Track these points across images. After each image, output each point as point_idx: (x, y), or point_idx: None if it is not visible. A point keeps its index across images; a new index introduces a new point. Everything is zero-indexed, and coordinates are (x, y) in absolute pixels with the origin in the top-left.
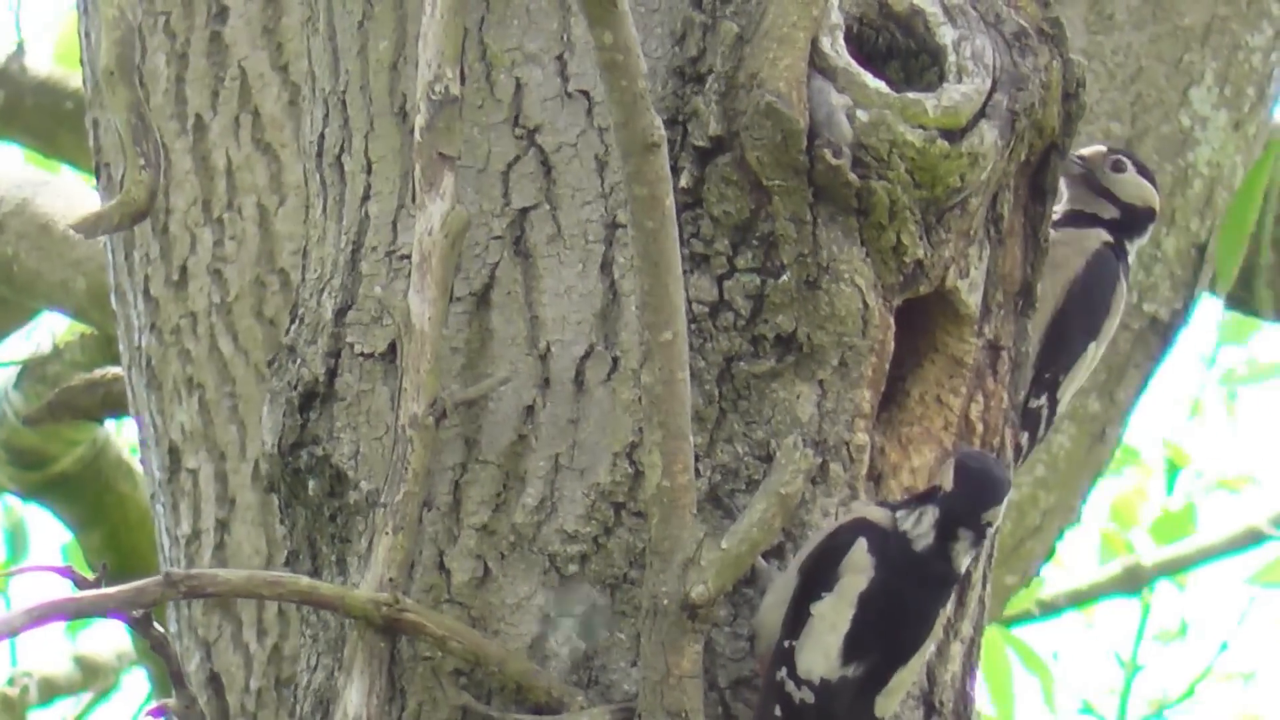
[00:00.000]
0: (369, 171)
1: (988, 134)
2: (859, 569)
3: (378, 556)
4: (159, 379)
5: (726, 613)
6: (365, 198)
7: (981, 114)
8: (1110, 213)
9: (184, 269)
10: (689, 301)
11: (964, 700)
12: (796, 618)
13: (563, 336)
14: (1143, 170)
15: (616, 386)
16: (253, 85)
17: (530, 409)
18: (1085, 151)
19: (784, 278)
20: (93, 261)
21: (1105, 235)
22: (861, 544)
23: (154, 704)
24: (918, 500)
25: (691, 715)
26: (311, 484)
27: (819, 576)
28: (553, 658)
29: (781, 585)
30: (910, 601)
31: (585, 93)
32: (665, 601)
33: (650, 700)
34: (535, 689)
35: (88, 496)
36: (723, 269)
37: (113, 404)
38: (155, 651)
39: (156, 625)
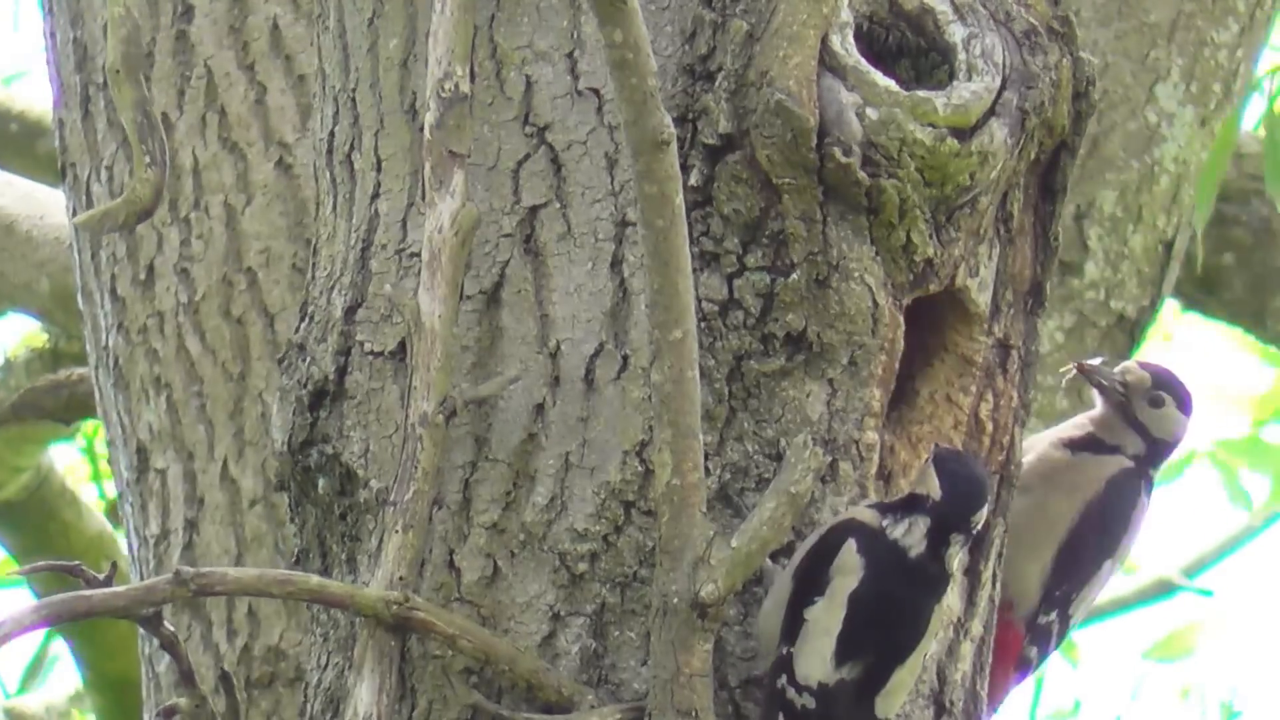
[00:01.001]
0: (379, 169)
1: (998, 132)
2: (849, 570)
3: (387, 555)
4: (126, 379)
5: (736, 611)
6: (375, 195)
7: (991, 112)
8: (1135, 448)
9: (151, 268)
10: (699, 300)
11: (975, 700)
12: (792, 623)
13: (573, 335)
14: (1182, 403)
15: (626, 385)
16: (219, 84)
17: (540, 407)
18: (1130, 377)
19: (794, 276)
20: (56, 263)
21: (1126, 462)
22: (850, 545)
23: (165, 704)
24: (904, 509)
25: (702, 714)
26: (321, 482)
27: (811, 580)
28: (563, 656)
29: (779, 589)
30: (903, 600)
31: (595, 90)
32: (675, 600)
33: (660, 699)
34: (545, 687)
35: (32, 525)
36: (732, 267)
37: (77, 405)
38: (165, 650)
39: (167, 624)
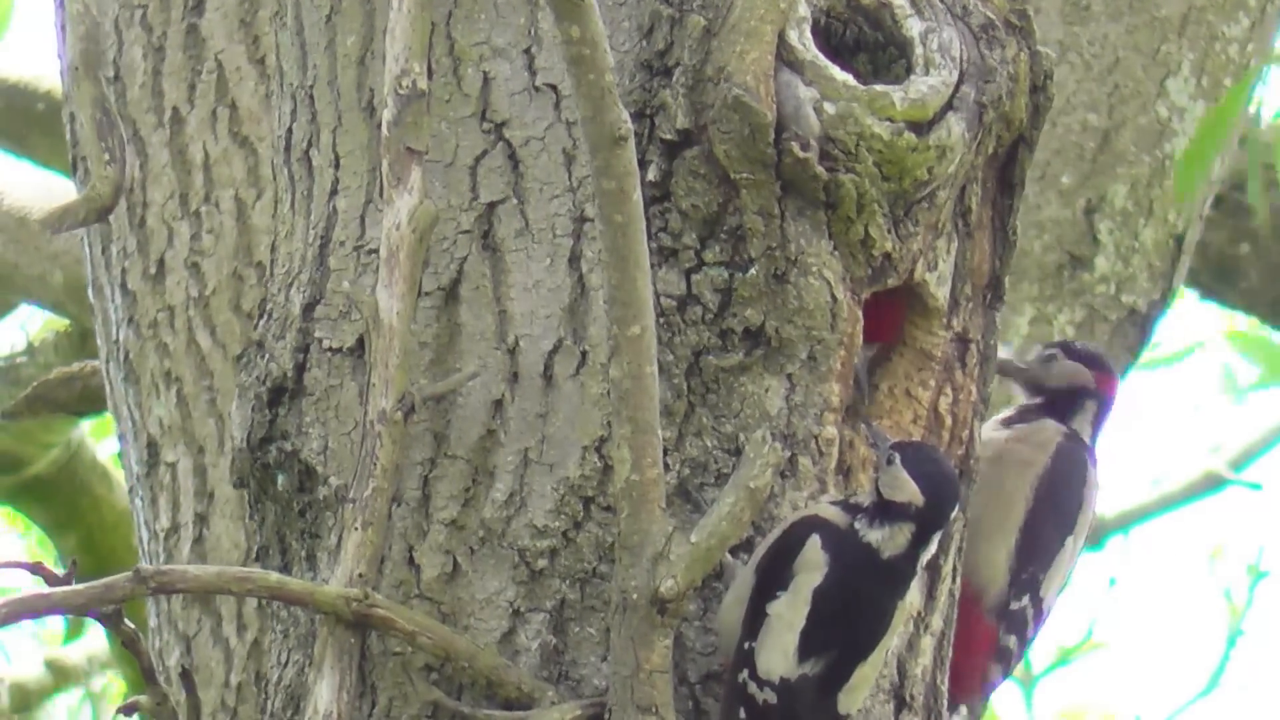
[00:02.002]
0: (337, 166)
1: (955, 126)
2: (812, 566)
3: (347, 552)
4: (137, 373)
5: (696, 607)
6: (333, 192)
7: (949, 106)
8: (1035, 400)
9: (161, 263)
10: (657, 295)
11: (934, 694)
12: (754, 618)
13: (531, 331)
14: (1076, 355)
15: (585, 381)
16: (230, 78)
17: (499, 403)
18: (1030, 355)
19: (752, 271)
20: (69, 255)
21: (1060, 427)
22: (815, 541)
23: (126, 701)
24: (883, 515)
25: (662, 710)
26: (280, 479)
27: (773, 575)
28: (523, 652)
29: (740, 584)
30: (866, 596)
31: (553, 86)
32: (634, 596)
33: (620, 695)
34: (505, 684)
35: (62, 499)
36: (691, 263)
37: (90, 398)
38: (126, 648)
39: (127, 622)
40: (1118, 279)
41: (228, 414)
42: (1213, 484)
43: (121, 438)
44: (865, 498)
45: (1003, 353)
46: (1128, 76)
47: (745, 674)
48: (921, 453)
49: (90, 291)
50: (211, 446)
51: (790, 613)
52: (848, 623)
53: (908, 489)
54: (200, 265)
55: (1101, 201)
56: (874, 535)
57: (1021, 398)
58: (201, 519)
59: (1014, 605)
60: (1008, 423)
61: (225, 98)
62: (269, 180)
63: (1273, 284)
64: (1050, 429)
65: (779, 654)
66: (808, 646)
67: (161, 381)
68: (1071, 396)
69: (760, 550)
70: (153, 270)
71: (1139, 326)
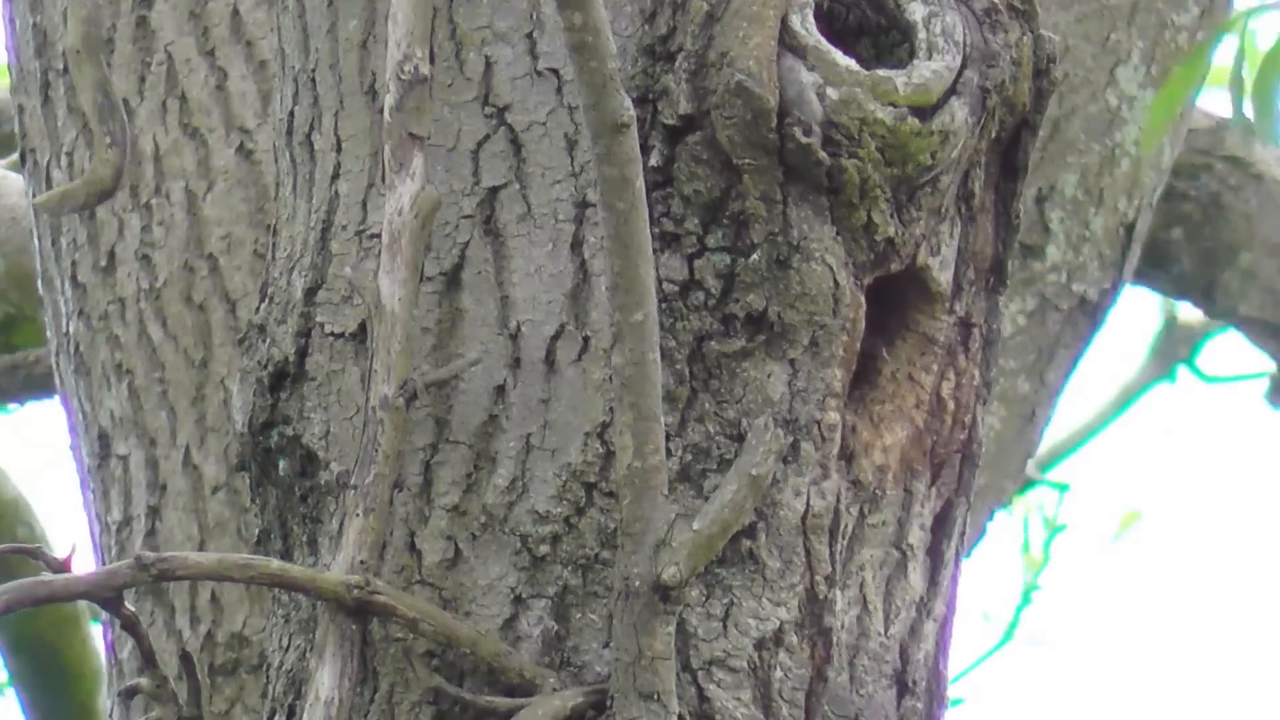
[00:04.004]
0: (339, 150)
1: (958, 111)
2: None
3: (348, 538)
4: (87, 365)
5: (699, 593)
6: (335, 176)
7: (952, 91)
8: None
9: (112, 255)
10: (659, 281)
11: (937, 678)
12: None
13: (533, 316)
14: None
15: (588, 366)
16: (179, 70)
17: (501, 389)
18: None
19: (754, 257)
20: (10, 244)
21: None
22: None
23: (126, 684)
24: None
25: (664, 697)
26: (282, 464)
27: None
28: (525, 639)
29: None
30: None
31: (555, 71)
32: (637, 583)
33: (623, 682)
34: (507, 670)
35: None
36: (693, 248)
37: (34, 386)
38: (126, 631)
39: (127, 606)
40: (1069, 268)
41: (179, 406)
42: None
43: (72, 430)
44: None
45: None
46: (1077, 65)
47: None
48: None
49: (40, 283)
50: (164, 439)
51: None
52: None
53: None
54: (151, 257)
55: (1052, 190)
56: None
57: None
58: (154, 511)
59: None
60: None
61: (175, 89)
62: (220, 172)
63: (1205, 269)
64: None
65: None
66: None
67: (113, 374)
68: None
69: None
70: (103, 262)
71: (1090, 315)
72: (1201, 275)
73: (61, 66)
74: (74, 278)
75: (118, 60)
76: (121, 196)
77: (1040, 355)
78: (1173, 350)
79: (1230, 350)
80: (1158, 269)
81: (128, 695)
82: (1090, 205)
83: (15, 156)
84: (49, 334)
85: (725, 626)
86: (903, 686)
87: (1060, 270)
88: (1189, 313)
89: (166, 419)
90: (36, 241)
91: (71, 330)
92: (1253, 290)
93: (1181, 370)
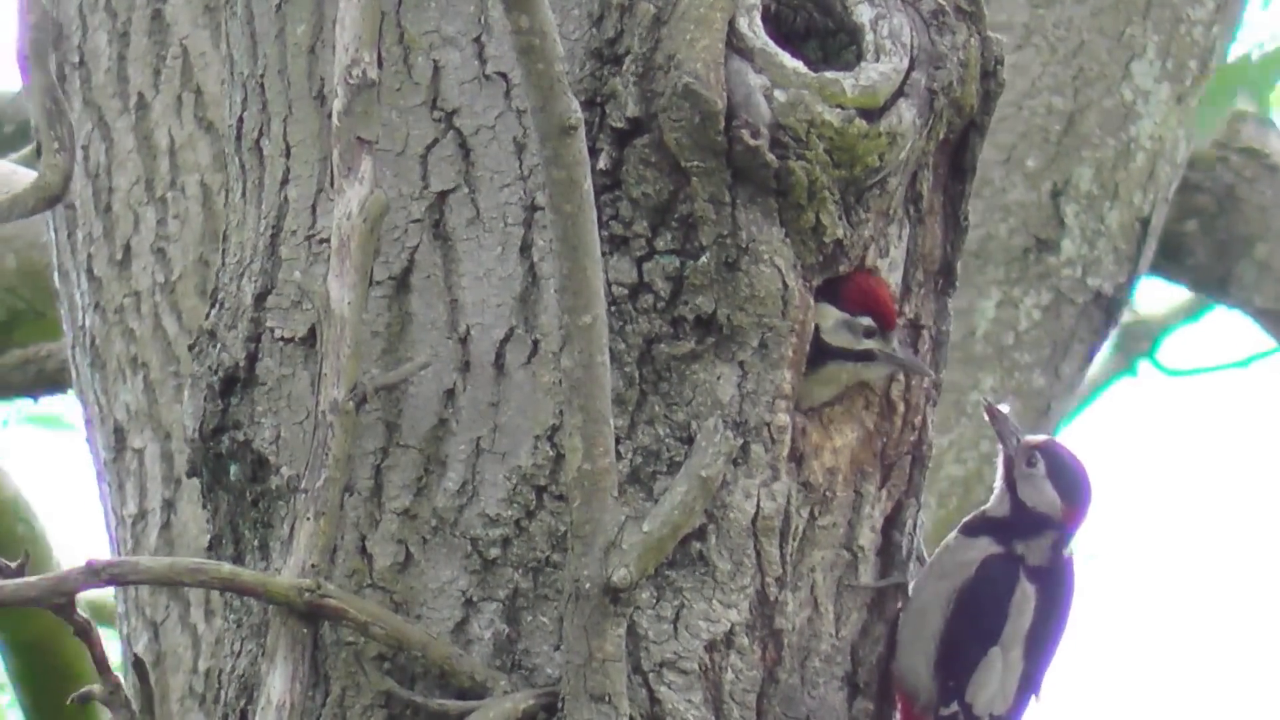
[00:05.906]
0: (288, 155)
1: (906, 113)
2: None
3: (299, 542)
4: (103, 358)
5: (649, 595)
6: (284, 182)
7: (900, 93)
8: (1000, 511)
9: (127, 248)
10: (608, 284)
11: (888, 680)
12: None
13: (483, 320)
14: (1055, 474)
15: (537, 369)
16: (194, 64)
17: (451, 393)
18: (1025, 436)
19: (703, 259)
20: (22, 239)
21: (993, 545)
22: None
23: (81, 690)
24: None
25: (615, 699)
26: (233, 469)
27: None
28: (476, 642)
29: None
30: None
31: (503, 75)
32: (587, 585)
33: (574, 684)
34: (458, 673)
35: None
36: (642, 251)
37: (46, 381)
38: (79, 637)
39: (79, 613)
40: (1084, 262)
41: None
42: None
43: (88, 423)
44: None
45: (1004, 407)
46: (1092, 59)
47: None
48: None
49: (55, 277)
50: (178, 432)
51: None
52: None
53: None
54: (166, 251)
55: (1067, 185)
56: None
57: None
58: (169, 505)
59: (944, 712)
60: (964, 529)
61: (190, 83)
62: None
63: (1220, 261)
64: (980, 546)
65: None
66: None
67: (128, 367)
68: (1032, 521)
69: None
70: (119, 256)
71: (1104, 309)
72: (1217, 267)
73: (76, 60)
74: (90, 271)
75: (132, 54)
76: (137, 190)
77: (1055, 349)
78: (1134, 344)
79: (1191, 344)
80: (1172, 261)
81: (83, 700)
82: (1105, 199)
83: (26, 151)
84: (65, 327)
85: (676, 628)
86: (854, 688)
87: (1075, 264)
88: (1150, 307)
89: (181, 412)
90: (52, 235)
91: (87, 324)
92: (1268, 281)
93: (1143, 364)
